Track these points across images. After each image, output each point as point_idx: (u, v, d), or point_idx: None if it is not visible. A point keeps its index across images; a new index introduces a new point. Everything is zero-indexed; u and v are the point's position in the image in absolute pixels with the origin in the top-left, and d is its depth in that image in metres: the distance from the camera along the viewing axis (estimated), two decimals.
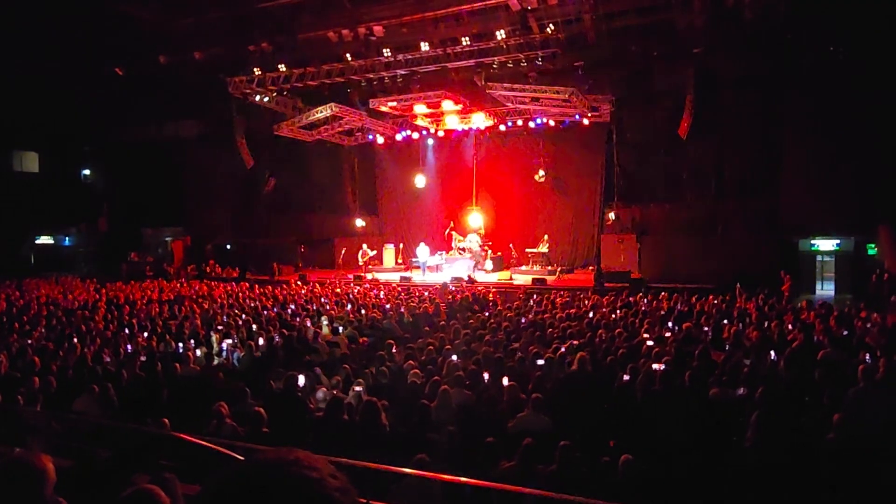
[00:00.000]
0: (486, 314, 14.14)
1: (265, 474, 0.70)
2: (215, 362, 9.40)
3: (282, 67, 20.60)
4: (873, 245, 19.79)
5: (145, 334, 12.17)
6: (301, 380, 7.98)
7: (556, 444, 5.53)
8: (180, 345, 10.80)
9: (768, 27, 18.17)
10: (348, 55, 19.91)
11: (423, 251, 23.47)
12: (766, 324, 11.88)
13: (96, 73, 24.40)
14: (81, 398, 7.37)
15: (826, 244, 20.46)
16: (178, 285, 21.15)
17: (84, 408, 7.27)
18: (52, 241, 32.61)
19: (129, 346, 10.77)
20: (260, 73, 20.84)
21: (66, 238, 32.72)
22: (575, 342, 9.99)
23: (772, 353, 9.14)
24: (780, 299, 15.39)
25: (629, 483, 5.22)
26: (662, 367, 8.15)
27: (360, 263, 23.63)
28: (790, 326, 11.48)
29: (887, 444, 6.21)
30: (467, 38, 17.89)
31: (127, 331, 12.30)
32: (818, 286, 20.79)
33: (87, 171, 33.62)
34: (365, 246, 24.08)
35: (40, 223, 31.45)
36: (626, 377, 8.09)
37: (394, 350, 10.29)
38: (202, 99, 24.95)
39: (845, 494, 5.26)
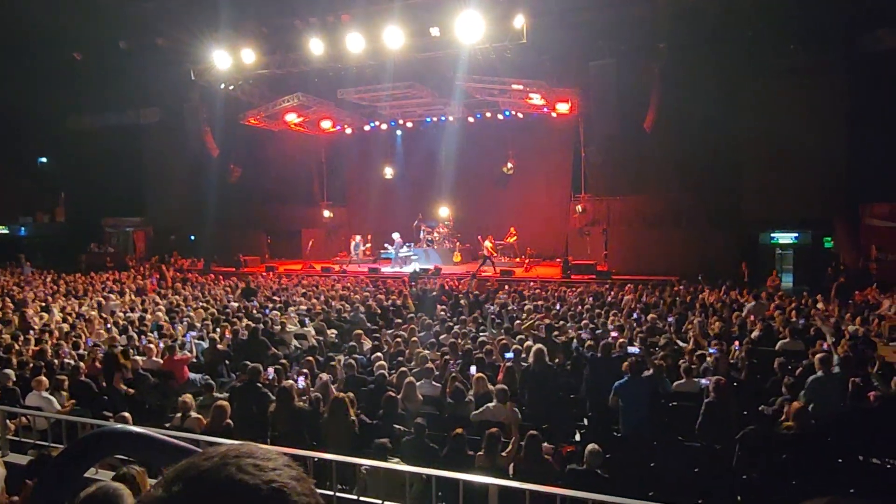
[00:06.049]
0: (455, 305, 14.17)
1: (216, 469, 0.69)
2: (179, 355, 9.22)
3: (248, 55, 20.20)
4: (829, 238, 20.41)
5: (107, 326, 11.89)
6: (270, 372, 7.91)
7: (523, 435, 5.59)
8: (143, 338, 10.58)
9: (730, 24, 18.51)
10: (316, 43, 19.62)
11: (393, 242, 23.43)
12: (727, 315, 12.17)
13: (54, 58, 23.64)
14: (33, 393, 7.19)
15: (785, 237, 21.01)
16: (141, 277, 20.69)
17: (37, 403, 7.09)
18: (6, 231, 31.56)
19: (88, 340, 10.51)
20: (225, 60, 20.40)
21: (23, 228, 31.69)
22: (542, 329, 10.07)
23: (736, 343, 9.37)
24: (775, 290, 15.96)
25: (594, 471, 5.29)
26: (628, 357, 8.29)
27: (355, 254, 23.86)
28: (752, 317, 11.77)
29: (840, 429, 6.43)
30: (437, 29, 17.76)
31: (87, 323, 11.99)
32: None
33: (43, 159, 32.58)
34: (358, 237, 24.22)
35: None
36: (591, 368, 8.20)
37: (362, 340, 10.26)
38: (165, 86, 24.36)
39: (800, 478, 5.42)
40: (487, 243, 22.48)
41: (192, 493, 0.67)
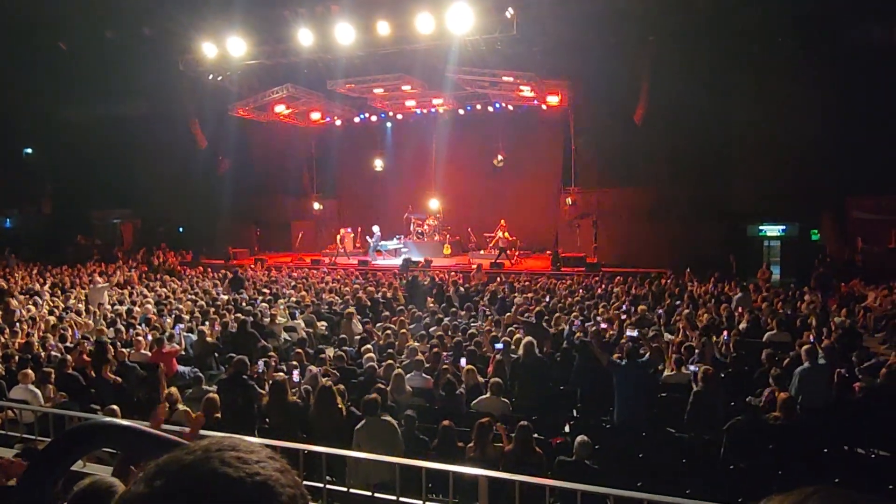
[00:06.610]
0: (440, 296, 14.17)
1: (199, 462, 0.67)
2: (168, 347, 9.16)
3: (236, 45, 19.99)
4: (816, 231, 20.58)
5: (95, 318, 11.80)
6: (260, 365, 7.88)
7: (514, 427, 5.61)
8: (131, 330, 10.51)
9: (719, 16, 18.54)
10: (305, 34, 19.45)
11: (380, 235, 23.39)
12: (715, 306, 12.25)
13: (40, 48, 23.29)
14: (19, 386, 7.12)
15: (772, 229, 21.16)
16: (128, 269, 20.53)
17: (23, 396, 7.04)
18: None
19: (76, 332, 10.42)
20: (213, 50, 20.20)
21: (8, 220, 31.32)
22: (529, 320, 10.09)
23: (724, 334, 9.44)
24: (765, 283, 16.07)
25: (583, 462, 5.32)
26: (617, 348, 8.34)
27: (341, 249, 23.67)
28: (741, 309, 11.85)
29: (827, 420, 6.50)
30: (427, 20, 17.65)
31: (74, 315, 11.89)
32: None
33: (29, 150, 32.17)
34: (343, 230, 24.08)
35: None
36: (581, 356, 8.23)
37: (353, 319, 10.25)
38: (153, 77, 24.06)
39: (787, 468, 5.47)
40: (499, 233, 22.24)
41: (174, 487, 0.65)
